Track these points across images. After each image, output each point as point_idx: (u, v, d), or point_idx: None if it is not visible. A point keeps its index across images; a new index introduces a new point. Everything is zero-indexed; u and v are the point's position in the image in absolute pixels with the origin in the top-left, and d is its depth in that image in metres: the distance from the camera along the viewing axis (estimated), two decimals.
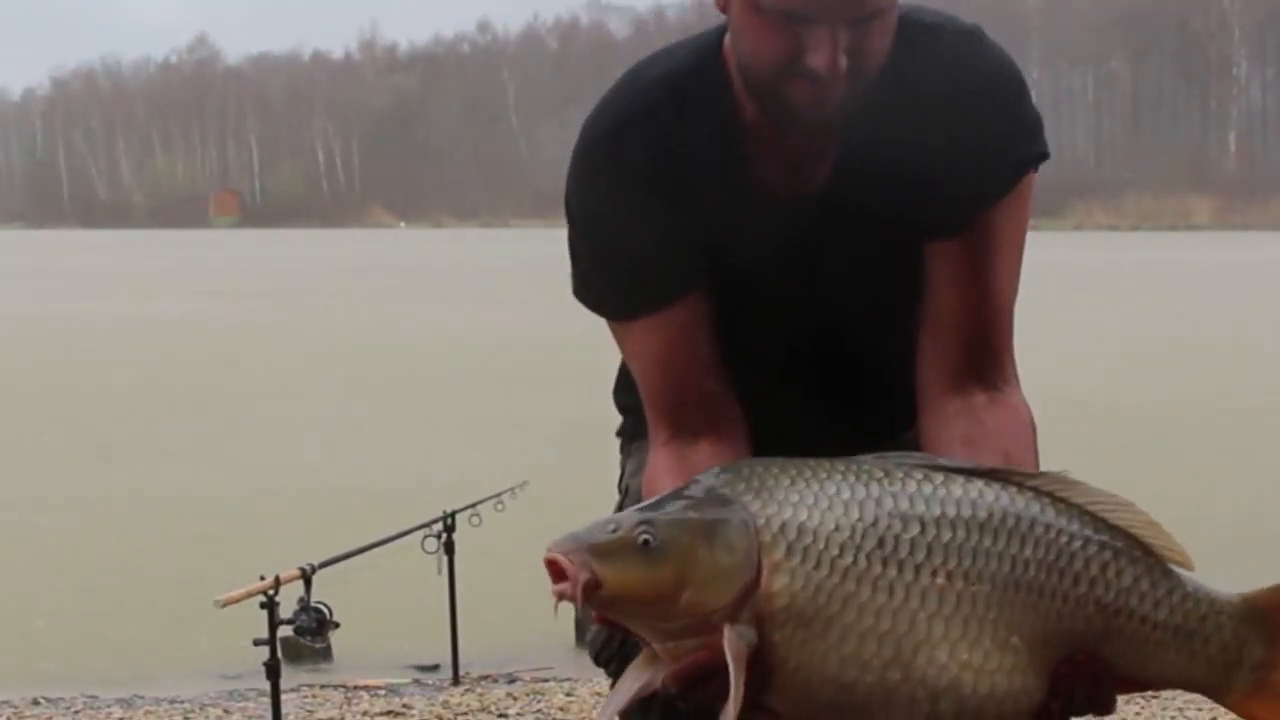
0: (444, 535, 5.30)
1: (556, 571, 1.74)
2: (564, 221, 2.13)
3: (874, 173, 2.03)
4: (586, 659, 2.42)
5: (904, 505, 1.84)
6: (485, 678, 5.89)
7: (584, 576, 1.75)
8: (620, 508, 2.31)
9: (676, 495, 1.85)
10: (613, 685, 2.11)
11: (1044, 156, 2.11)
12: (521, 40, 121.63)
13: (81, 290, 32.36)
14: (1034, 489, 1.88)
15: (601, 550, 1.78)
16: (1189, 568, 1.89)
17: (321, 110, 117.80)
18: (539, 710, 5.20)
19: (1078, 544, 1.86)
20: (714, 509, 1.82)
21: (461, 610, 5.64)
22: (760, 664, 1.77)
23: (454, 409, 13.54)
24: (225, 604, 4.00)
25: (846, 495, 1.84)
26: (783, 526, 1.82)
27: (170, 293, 31.09)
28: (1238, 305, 25.33)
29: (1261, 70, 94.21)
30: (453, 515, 5.31)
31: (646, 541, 1.78)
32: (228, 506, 9.55)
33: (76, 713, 5.55)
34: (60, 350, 19.66)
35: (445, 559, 5.33)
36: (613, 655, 2.15)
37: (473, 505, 5.35)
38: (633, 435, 2.35)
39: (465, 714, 5.22)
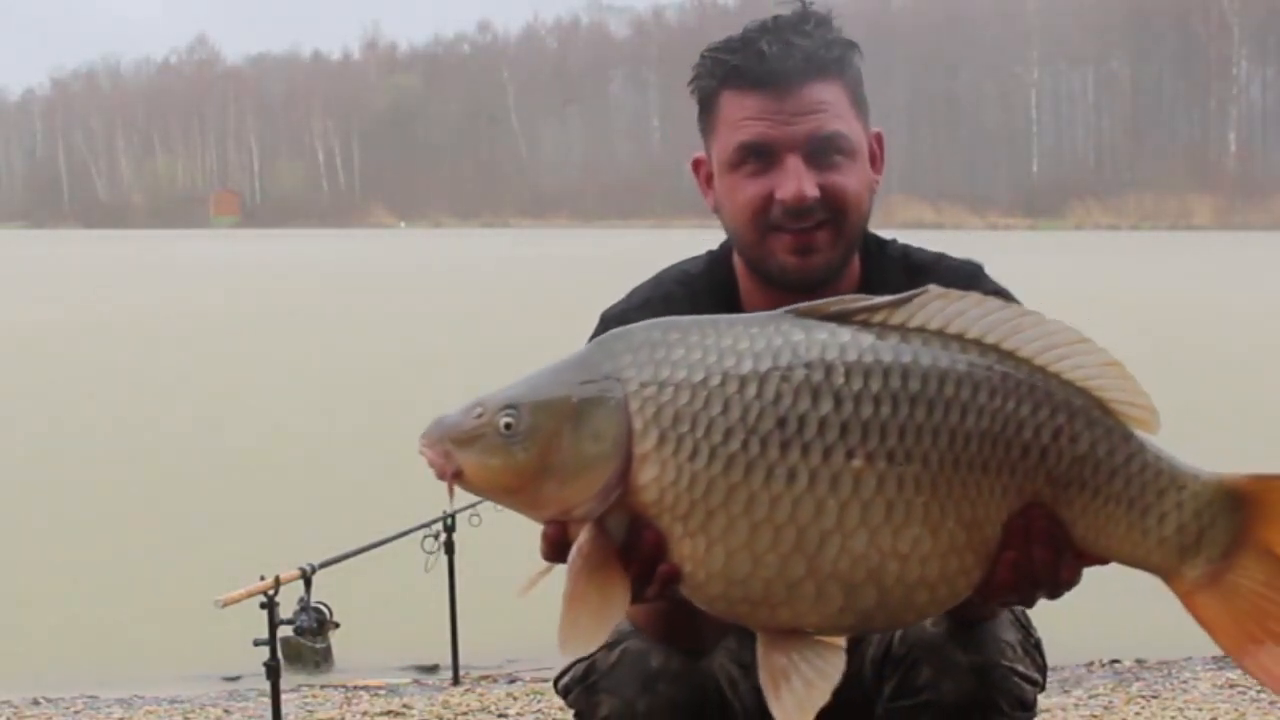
0: (444, 535, 5.30)
1: (429, 462, 1.71)
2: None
3: None
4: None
5: (817, 378, 1.66)
6: (485, 678, 5.89)
7: (449, 468, 1.69)
8: None
9: (562, 365, 1.73)
10: (576, 715, 2.14)
11: None
12: (521, 40, 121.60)
13: (79, 289, 32.36)
14: (979, 342, 1.70)
15: (460, 438, 1.69)
16: (1152, 424, 1.73)
17: (321, 110, 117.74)
18: (539, 710, 5.20)
19: (1026, 410, 1.69)
20: (589, 386, 1.68)
21: (461, 610, 5.64)
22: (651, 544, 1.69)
23: (454, 408, 13.51)
24: (225, 604, 4.00)
25: (748, 367, 1.67)
26: (658, 410, 1.66)
27: (170, 292, 31.08)
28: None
29: (1261, 70, 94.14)
30: (453, 515, 5.31)
31: (509, 425, 1.67)
32: (228, 506, 9.55)
33: (76, 713, 5.55)
34: (59, 350, 19.65)
35: (444, 558, 5.33)
36: (574, 684, 2.14)
37: (472, 505, 5.35)
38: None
39: (465, 714, 5.21)
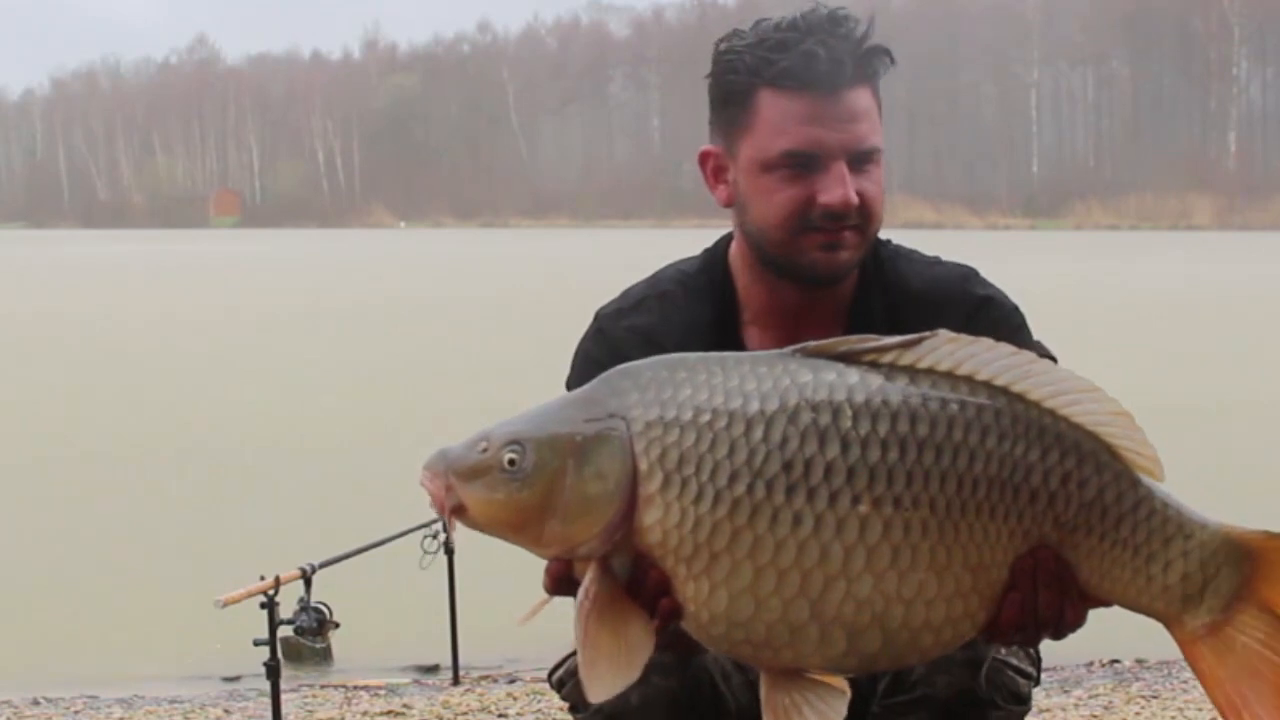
0: (443, 535, 5.29)
1: (430, 494, 1.70)
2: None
3: None
4: None
5: (824, 421, 1.64)
6: (485, 678, 5.89)
7: (451, 502, 1.67)
8: None
9: (568, 401, 1.72)
10: (570, 708, 2.16)
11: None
12: (521, 40, 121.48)
13: (77, 289, 32.35)
14: (989, 384, 1.68)
15: (464, 472, 1.67)
16: (1157, 475, 1.73)
17: (321, 110, 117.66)
18: (539, 710, 5.20)
19: (1036, 454, 1.68)
20: (594, 424, 1.66)
21: (461, 610, 5.64)
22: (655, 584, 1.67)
23: (454, 407, 13.53)
24: (225, 604, 4.00)
25: (754, 409, 1.65)
26: (664, 452, 1.64)
27: (169, 293, 31.08)
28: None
29: (1261, 70, 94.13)
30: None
31: (513, 461, 1.66)
32: (228, 506, 9.55)
33: (76, 713, 5.55)
34: (59, 349, 19.64)
35: (444, 558, 5.33)
36: (568, 678, 2.15)
37: None
38: None
39: (465, 714, 5.22)
